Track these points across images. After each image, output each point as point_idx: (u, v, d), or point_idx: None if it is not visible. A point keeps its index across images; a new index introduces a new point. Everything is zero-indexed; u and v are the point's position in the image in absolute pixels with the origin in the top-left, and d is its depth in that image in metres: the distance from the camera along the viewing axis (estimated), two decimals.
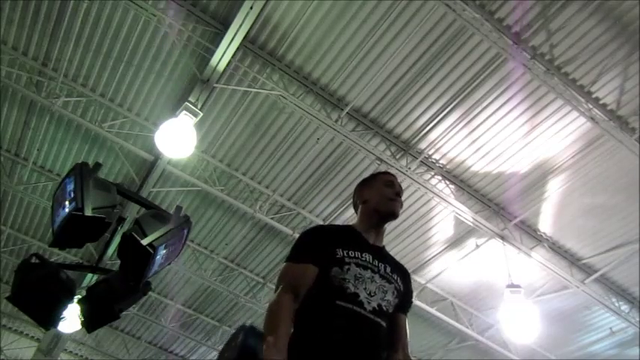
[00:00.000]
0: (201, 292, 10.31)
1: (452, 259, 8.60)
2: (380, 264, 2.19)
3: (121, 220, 4.01)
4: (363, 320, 2.02)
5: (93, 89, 7.33)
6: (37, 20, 6.66)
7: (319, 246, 2.15)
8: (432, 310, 8.91)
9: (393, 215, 2.34)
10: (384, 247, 2.36)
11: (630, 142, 6.35)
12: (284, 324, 1.92)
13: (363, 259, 2.16)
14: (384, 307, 2.09)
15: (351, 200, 2.52)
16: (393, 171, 7.03)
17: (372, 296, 2.07)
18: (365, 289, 2.07)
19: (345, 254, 2.13)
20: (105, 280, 3.85)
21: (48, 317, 3.84)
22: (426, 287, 9.00)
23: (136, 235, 3.43)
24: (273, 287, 2.32)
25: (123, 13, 6.46)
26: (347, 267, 2.09)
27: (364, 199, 2.40)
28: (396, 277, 2.22)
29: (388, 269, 2.20)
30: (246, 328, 1.86)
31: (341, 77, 6.73)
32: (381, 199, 2.34)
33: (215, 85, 6.65)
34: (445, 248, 8.52)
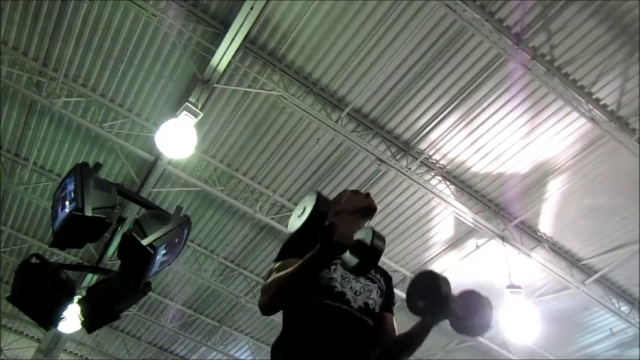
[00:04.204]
0: (202, 293, 10.30)
1: (452, 260, 8.58)
2: None
3: (121, 220, 4.03)
4: (351, 318, 2.08)
5: (93, 89, 7.33)
6: (38, 20, 6.66)
7: (306, 245, 2.17)
8: None
9: (372, 209, 2.44)
10: None
11: (631, 143, 6.35)
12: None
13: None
14: (370, 306, 2.16)
15: None
16: (393, 171, 7.06)
17: (357, 295, 2.13)
18: (351, 288, 2.13)
19: None
20: (105, 280, 3.86)
21: (48, 317, 3.84)
22: None
23: (136, 236, 3.44)
24: None
25: (123, 13, 6.46)
26: (334, 267, 2.14)
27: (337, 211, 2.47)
28: (379, 277, 2.30)
29: (372, 270, 2.28)
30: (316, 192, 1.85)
31: (341, 78, 6.73)
32: (352, 200, 2.43)
33: (215, 85, 6.65)
34: (445, 249, 8.51)
